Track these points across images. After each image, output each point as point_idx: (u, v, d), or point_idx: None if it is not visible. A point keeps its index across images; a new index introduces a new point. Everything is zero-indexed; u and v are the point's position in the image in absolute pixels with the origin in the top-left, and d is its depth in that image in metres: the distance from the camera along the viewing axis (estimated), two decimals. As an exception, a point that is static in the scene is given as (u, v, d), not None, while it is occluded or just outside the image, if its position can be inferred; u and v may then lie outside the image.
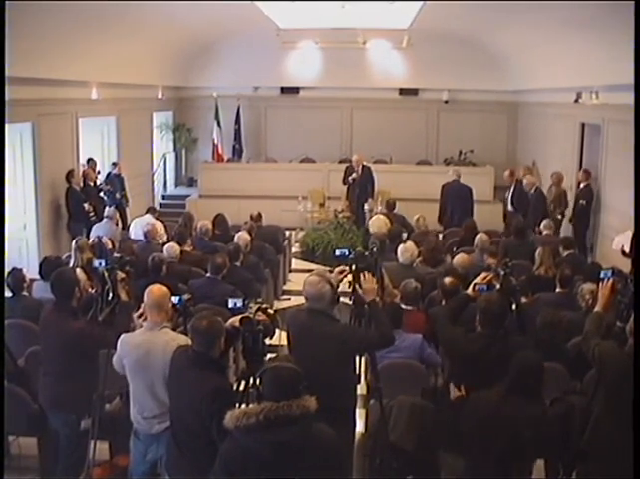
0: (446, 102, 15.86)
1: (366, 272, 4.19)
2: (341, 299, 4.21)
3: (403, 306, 5.72)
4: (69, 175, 10.32)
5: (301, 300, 4.44)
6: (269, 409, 2.91)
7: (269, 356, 3.73)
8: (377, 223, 8.67)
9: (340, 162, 14.63)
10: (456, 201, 10.83)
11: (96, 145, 12.36)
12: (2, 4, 6.21)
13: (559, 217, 10.73)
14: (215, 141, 15.73)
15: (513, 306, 4.83)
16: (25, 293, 6.11)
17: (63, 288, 4.67)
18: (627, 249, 8.08)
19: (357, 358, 4.41)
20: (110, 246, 7.72)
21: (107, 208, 9.83)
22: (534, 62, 13.24)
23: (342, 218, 11.93)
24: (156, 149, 15.18)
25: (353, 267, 4.26)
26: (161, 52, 13.38)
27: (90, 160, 11.34)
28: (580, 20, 9.16)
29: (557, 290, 6.13)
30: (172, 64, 14.73)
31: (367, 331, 4.18)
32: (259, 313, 3.92)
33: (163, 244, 7.80)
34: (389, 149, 15.51)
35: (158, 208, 12.47)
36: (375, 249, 4.62)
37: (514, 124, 15.95)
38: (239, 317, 3.89)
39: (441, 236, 10.13)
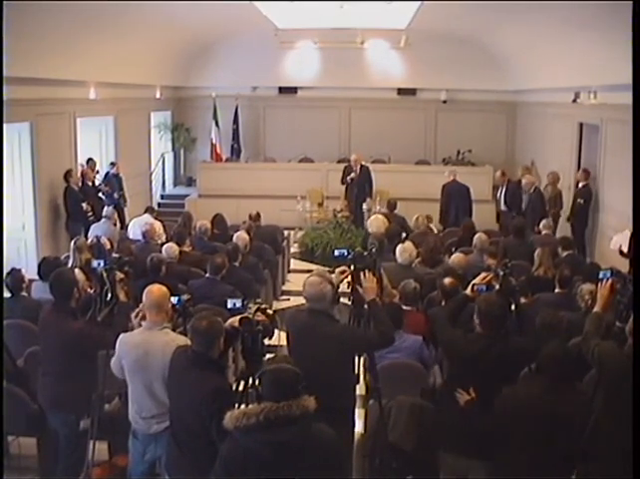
0: (444, 102, 15.87)
1: (366, 271, 4.19)
2: (341, 299, 4.21)
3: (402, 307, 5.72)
4: (67, 175, 10.32)
5: (300, 300, 4.45)
6: (269, 409, 2.91)
7: (268, 356, 3.73)
8: (376, 223, 8.67)
9: (339, 162, 14.64)
10: (456, 201, 10.86)
11: (94, 145, 12.36)
12: (0, 4, 6.21)
13: (555, 217, 10.74)
14: (214, 141, 15.73)
15: (512, 307, 4.84)
16: (24, 293, 6.10)
17: (62, 288, 4.67)
18: (625, 249, 8.09)
19: (356, 358, 4.40)
20: (108, 247, 7.71)
21: (105, 208, 9.83)
22: (533, 62, 13.25)
23: (341, 217, 11.93)
24: (154, 149, 15.18)
25: (352, 267, 4.26)
26: (160, 52, 13.37)
27: (90, 160, 11.33)
28: (580, 20, 9.17)
29: (556, 290, 6.12)
30: (171, 64, 14.73)
31: (367, 331, 4.18)
32: (258, 313, 3.93)
33: (162, 245, 7.80)
34: (387, 149, 15.52)
35: (156, 208, 12.44)
36: (374, 249, 4.62)
37: (513, 124, 15.97)
38: (238, 317, 3.90)
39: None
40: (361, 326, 4.27)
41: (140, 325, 4.15)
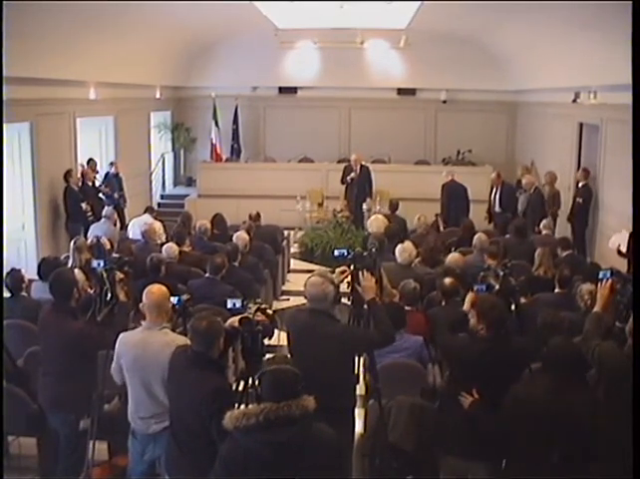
0: (444, 102, 15.87)
1: (365, 271, 4.19)
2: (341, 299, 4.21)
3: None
4: (67, 175, 10.32)
5: (300, 300, 4.45)
6: (269, 410, 2.91)
7: (268, 356, 3.73)
8: (376, 223, 8.67)
9: (338, 162, 14.64)
10: (454, 200, 10.87)
11: (94, 145, 12.35)
12: (0, 4, 6.21)
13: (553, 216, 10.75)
14: (213, 141, 15.73)
15: (512, 307, 4.84)
16: (24, 293, 6.10)
17: (62, 289, 4.67)
18: (623, 249, 8.10)
19: (356, 358, 4.40)
20: (108, 247, 7.71)
21: (105, 208, 9.83)
22: (533, 62, 13.26)
23: (341, 217, 11.92)
24: (154, 149, 15.18)
25: (352, 267, 4.26)
26: (160, 52, 13.38)
27: (90, 160, 11.33)
28: (580, 20, 9.17)
29: (556, 290, 6.13)
30: (171, 64, 14.73)
31: (367, 330, 4.18)
32: (258, 313, 3.94)
33: (162, 245, 7.79)
34: (387, 149, 15.52)
35: (156, 208, 12.46)
36: (374, 249, 4.62)
37: (513, 124, 15.97)
38: (238, 317, 3.90)
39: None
40: (361, 326, 4.27)
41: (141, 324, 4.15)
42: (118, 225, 10.05)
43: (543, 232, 8.83)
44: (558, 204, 11.02)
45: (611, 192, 10.01)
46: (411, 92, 16.01)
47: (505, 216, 10.94)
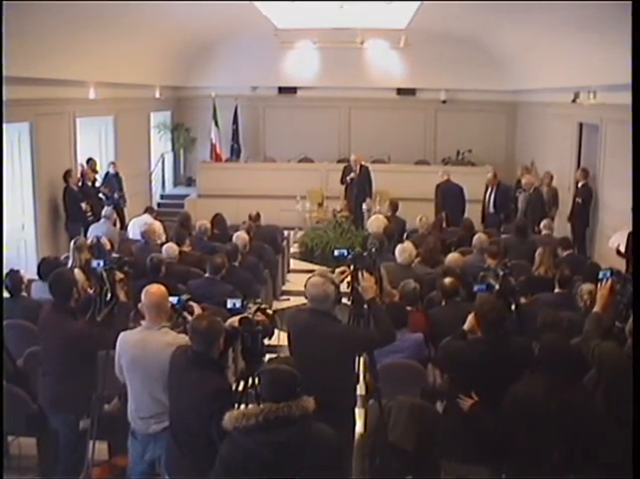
0: (444, 102, 15.87)
1: (364, 271, 4.19)
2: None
3: (401, 307, 5.72)
4: (66, 175, 10.31)
5: (300, 300, 4.45)
6: (268, 410, 2.91)
7: (269, 357, 3.73)
8: (376, 223, 8.67)
9: (338, 162, 14.63)
10: (450, 200, 10.85)
11: (94, 145, 12.35)
12: (0, 4, 6.21)
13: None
14: (213, 141, 15.72)
15: (512, 307, 4.84)
16: (24, 294, 6.10)
17: (61, 289, 4.66)
18: (622, 249, 8.10)
19: (356, 358, 4.40)
20: (108, 247, 7.71)
21: (104, 208, 9.82)
22: (533, 62, 13.25)
23: (340, 217, 11.92)
24: (154, 149, 15.18)
25: (352, 267, 4.26)
26: (160, 52, 13.37)
27: (90, 160, 11.33)
28: (579, 20, 9.17)
29: (556, 290, 6.12)
30: (170, 64, 14.72)
31: (368, 329, 4.18)
32: (258, 313, 3.93)
33: (162, 245, 7.79)
34: (387, 149, 15.52)
35: (156, 208, 12.45)
36: (374, 249, 4.62)
37: (513, 124, 15.97)
38: (238, 317, 3.90)
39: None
40: (361, 326, 4.27)
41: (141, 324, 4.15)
42: (118, 225, 10.04)
43: (543, 231, 8.83)
44: (557, 204, 11.03)
45: (611, 191, 10.01)
46: (411, 92, 16.01)
47: (498, 217, 10.96)
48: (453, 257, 6.91)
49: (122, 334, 4.14)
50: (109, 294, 4.53)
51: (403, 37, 14.82)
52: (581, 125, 11.63)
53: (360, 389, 4.69)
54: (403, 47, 15.22)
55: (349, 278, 4.25)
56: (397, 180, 13.08)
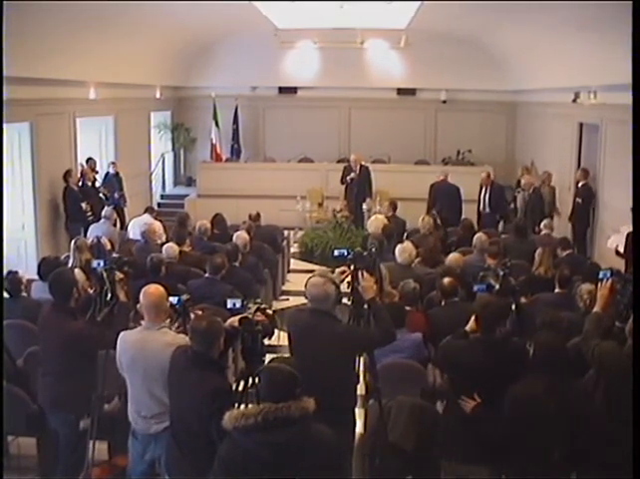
0: (444, 102, 15.87)
1: (364, 271, 4.19)
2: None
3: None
4: (66, 175, 10.31)
5: (300, 300, 4.45)
6: (268, 410, 2.91)
7: (270, 357, 3.73)
8: (376, 223, 8.67)
9: (338, 162, 14.65)
10: (444, 200, 10.82)
11: (94, 145, 12.36)
12: (0, 4, 6.22)
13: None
14: (213, 141, 15.72)
15: (513, 307, 4.83)
16: (24, 294, 6.10)
17: (61, 288, 4.66)
18: (621, 249, 8.10)
19: (357, 358, 4.40)
20: (109, 247, 7.71)
21: (104, 208, 9.82)
22: (533, 62, 13.25)
23: (340, 217, 11.92)
24: (154, 149, 15.18)
25: (352, 267, 4.26)
26: (160, 52, 13.37)
27: (89, 159, 11.33)
28: (579, 20, 9.17)
29: (556, 290, 6.12)
30: (171, 64, 14.73)
31: (368, 329, 4.18)
32: (258, 313, 3.94)
33: (162, 245, 7.79)
34: (387, 149, 15.52)
35: (156, 208, 12.45)
36: (374, 249, 4.62)
37: (513, 124, 15.97)
38: (238, 317, 3.90)
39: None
40: (361, 326, 4.27)
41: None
42: (118, 225, 10.04)
43: (543, 231, 8.83)
44: (554, 204, 11.07)
45: (611, 191, 10.01)
46: (411, 92, 16.00)
47: (493, 217, 10.94)
48: (453, 257, 6.91)
49: (122, 334, 4.14)
50: (109, 294, 4.53)
51: (403, 37, 14.82)
52: (581, 125, 11.63)
53: (360, 389, 4.69)
54: (403, 47, 15.23)
55: (349, 278, 4.24)
56: (397, 180, 13.08)
